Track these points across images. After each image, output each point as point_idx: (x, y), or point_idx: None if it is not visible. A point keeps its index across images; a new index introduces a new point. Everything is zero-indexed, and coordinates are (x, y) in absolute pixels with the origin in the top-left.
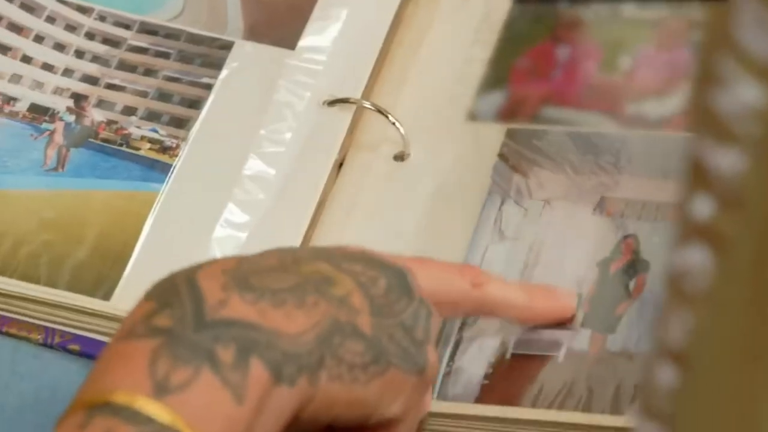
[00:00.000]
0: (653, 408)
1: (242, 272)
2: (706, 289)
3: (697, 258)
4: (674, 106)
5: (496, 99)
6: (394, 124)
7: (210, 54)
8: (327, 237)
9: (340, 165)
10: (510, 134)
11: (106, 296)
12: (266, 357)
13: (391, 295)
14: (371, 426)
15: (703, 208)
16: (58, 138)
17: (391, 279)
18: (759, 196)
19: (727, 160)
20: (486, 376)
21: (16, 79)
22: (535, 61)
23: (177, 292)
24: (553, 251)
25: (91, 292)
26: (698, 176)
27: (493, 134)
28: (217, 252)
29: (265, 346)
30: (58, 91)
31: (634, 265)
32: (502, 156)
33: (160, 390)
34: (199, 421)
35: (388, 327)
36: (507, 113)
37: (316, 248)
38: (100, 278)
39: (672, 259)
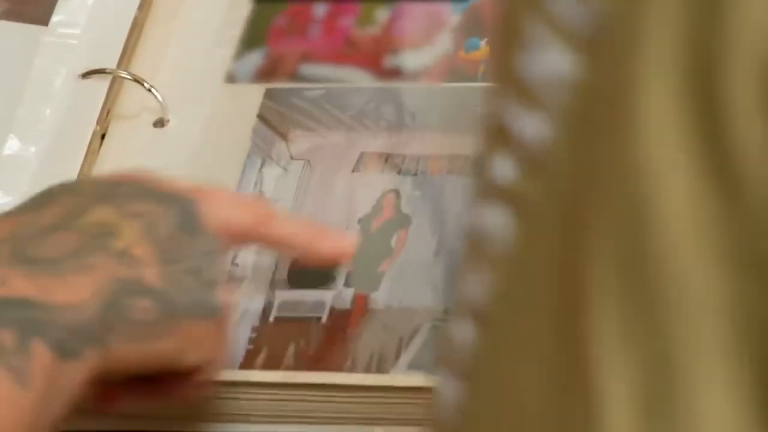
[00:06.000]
0: (452, 364)
1: (18, 241)
2: (506, 251)
3: (497, 218)
4: (432, 57)
5: (255, 59)
6: (150, 90)
7: None
8: None
9: (102, 136)
10: (269, 94)
11: None
12: (49, 336)
13: (178, 235)
14: (173, 375)
15: (504, 169)
16: None
17: (178, 216)
18: (563, 164)
19: (531, 126)
20: (250, 341)
21: None
22: (291, 18)
23: None
24: (314, 210)
25: None
26: (501, 138)
27: (252, 95)
28: None
29: (46, 325)
30: None
31: (396, 221)
32: (261, 117)
33: None
34: None
35: (176, 273)
36: (265, 73)
37: (104, 185)
38: None
39: (472, 217)
